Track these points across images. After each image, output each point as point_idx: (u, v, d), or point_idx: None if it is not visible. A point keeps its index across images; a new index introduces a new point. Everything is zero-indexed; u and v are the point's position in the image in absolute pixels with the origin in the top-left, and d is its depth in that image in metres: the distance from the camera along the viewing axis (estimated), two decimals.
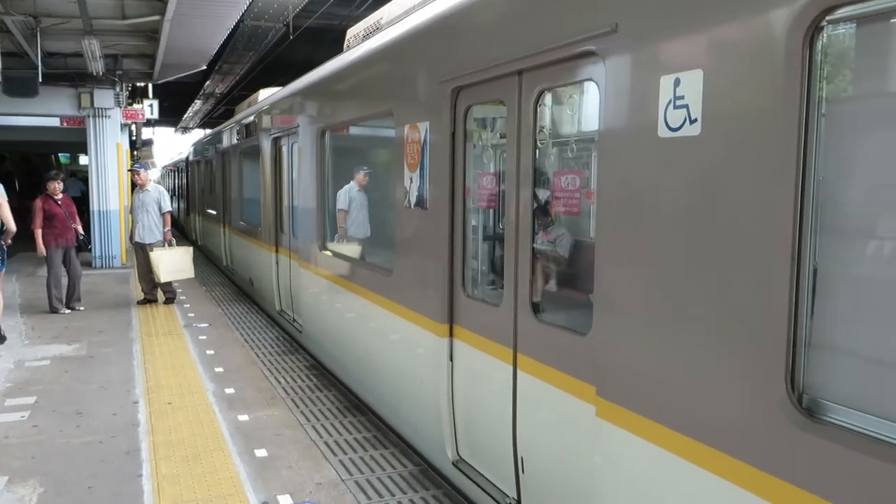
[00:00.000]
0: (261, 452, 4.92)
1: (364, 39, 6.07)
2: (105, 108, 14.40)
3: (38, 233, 9.67)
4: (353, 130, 6.46)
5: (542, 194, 3.48)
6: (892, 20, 1.97)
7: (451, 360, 4.21)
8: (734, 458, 2.23)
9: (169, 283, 10.30)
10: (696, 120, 2.37)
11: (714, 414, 2.33)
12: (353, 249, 6.52)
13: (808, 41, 2.02)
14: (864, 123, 2.10)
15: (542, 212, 3.49)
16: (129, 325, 9.04)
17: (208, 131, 23.25)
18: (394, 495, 4.30)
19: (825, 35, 2.02)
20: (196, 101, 28.92)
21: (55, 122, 15.11)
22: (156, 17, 10.41)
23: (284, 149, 8.53)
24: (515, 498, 3.66)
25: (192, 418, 5.58)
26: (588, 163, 3.32)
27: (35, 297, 10.61)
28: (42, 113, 14.60)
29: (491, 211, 4.06)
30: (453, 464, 4.26)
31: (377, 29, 5.91)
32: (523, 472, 3.57)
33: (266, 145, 9.29)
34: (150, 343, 8.04)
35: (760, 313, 2.16)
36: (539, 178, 3.46)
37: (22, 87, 12.62)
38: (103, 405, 5.90)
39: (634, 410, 2.68)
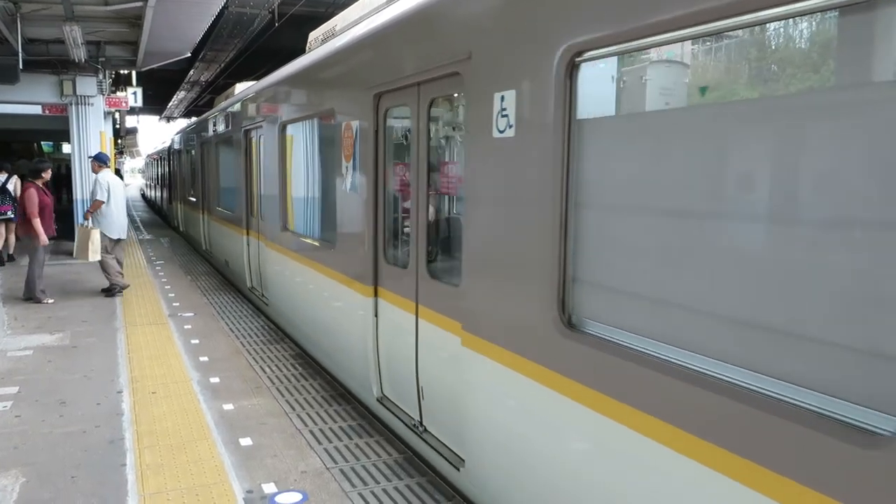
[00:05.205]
0: (245, 441, 4.92)
1: (322, 43, 6.96)
2: (88, 96, 14.25)
3: (37, 222, 9.57)
4: (308, 126, 7.06)
5: (434, 180, 4.38)
6: (620, 60, 2.83)
7: (376, 315, 5.08)
8: (532, 361, 3.19)
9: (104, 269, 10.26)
10: (512, 125, 3.26)
11: (521, 332, 3.27)
12: (308, 228, 7.23)
13: (569, 73, 2.88)
14: (601, 132, 2.88)
15: (433, 194, 4.39)
16: (113, 314, 8.98)
17: (192, 120, 23.11)
18: (378, 483, 4.32)
19: (580, 70, 2.88)
20: (181, 89, 28.62)
21: (37, 109, 14.93)
22: (139, 3, 10.28)
23: (253, 140, 9.31)
24: (419, 420, 4.57)
25: (176, 408, 5.56)
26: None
27: (18, 286, 10.50)
28: (24, 100, 14.42)
29: (402, 194, 4.88)
30: (378, 400, 5.15)
31: (333, 34, 6.79)
32: (423, 398, 4.48)
33: (238, 136, 10.08)
34: (135, 333, 8.00)
35: (545, 261, 3.04)
36: (431, 167, 4.32)
37: (2, 74, 12.44)
38: (87, 395, 5.87)
39: (481, 336, 3.60)
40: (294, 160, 7.51)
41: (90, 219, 10.02)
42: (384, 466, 4.54)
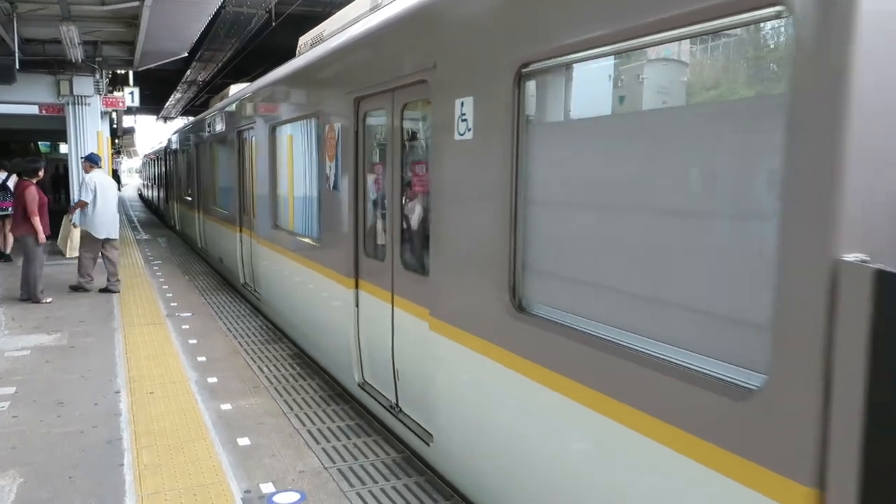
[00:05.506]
0: (243, 441, 4.92)
1: (311, 48, 7.31)
2: (84, 96, 14.23)
3: (38, 220, 9.59)
4: (295, 127, 7.34)
5: (407, 178, 4.69)
6: (556, 72, 3.17)
7: (357, 305, 5.44)
8: (486, 341, 3.55)
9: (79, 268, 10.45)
10: (470, 129, 3.61)
11: (478, 316, 3.63)
12: (296, 225, 7.53)
13: (517, 82, 3.23)
14: (541, 136, 3.23)
15: (407, 191, 4.69)
16: (110, 314, 8.97)
17: (188, 120, 23.14)
18: (377, 482, 4.32)
19: (525, 79, 3.23)
20: (178, 89, 28.56)
21: (34, 109, 14.91)
22: (135, 3, 10.28)
23: (246, 140, 9.70)
24: (395, 401, 4.94)
25: (174, 408, 5.56)
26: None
27: (15, 286, 10.47)
28: (20, 100, 14.40)
29: (379, 192, 5.19)
30: (359, 385, 5.49)
31: (321, 39, 7.14)
32: (399, 381, 4.84)
33: (231, 137, 10.44)
34: (132, 333, 7.99)
35: (499, 251, 3.38)
36: (405, 167, 4.67)
37: None
38: (84, 395, 5.86)
39: (445, 321, 3.97)
40: (282, 160, 7.86)
41: (74, 217, 10.18)
42: (382, 466, 4.54)
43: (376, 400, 5.17)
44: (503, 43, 3.33)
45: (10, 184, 12.56)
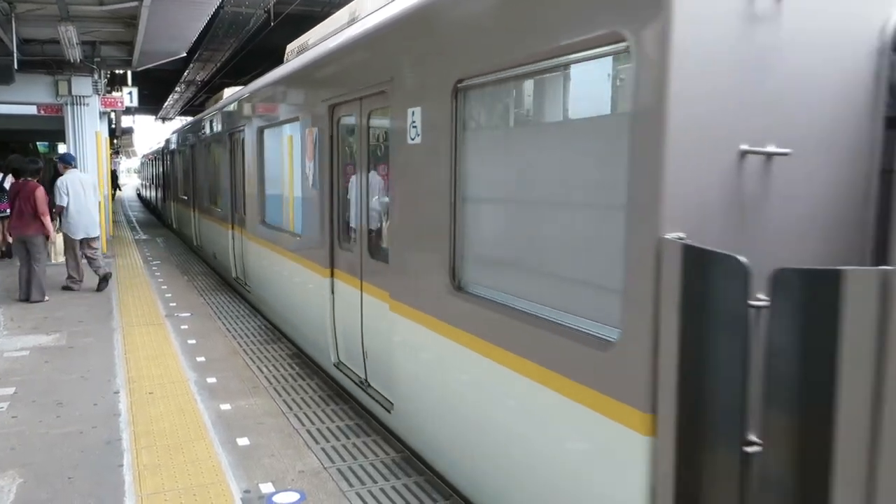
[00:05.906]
0: (243, 441, 4.92)
1: (297, 55, 7.79)
2: (83, 96, 14.19)
3: (48, 219, 9.62)
4: (280, 130, 7.92)
5: (373, 178, 5.29)
6: (487, 87, 3.70)
7: (333, 293, 6.02)
8: (433, 317, 4.11)
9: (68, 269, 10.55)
10: (419, 134, 4.18)
11: (426, 295, 4.19)
12: (281, 221, 8.13)
13: (454, 94, 3.78)
14: (469, 142, 3.81)
15: (373, 189, 5.25)
16: (109, 314, 8.97)
17: (185, 122, 23.15)
18: (376, 482, 4.32)
19: (460, 92, 3.78)
20: (176, 89, 28.52)
21: (32, 109, 14.88)
22: (134, 3, 10.25)
23: (237, 142, 10.18)
24: (364, 378, 5.49)
25: (173, 408, 5.56)
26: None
27: (14, 286, 10.46)
28: (19, 101, 14.36)
29: (351, 189, 5.70)
30: (335, 365, 6.02)
31: (305, 48, 7.62)
32: (367, 359, 5.38)
33: (224, 139, 11.06)
34: (131, 333, 7.99)
35: (442, 240, 3.93)
36: (371, 167, 5.28)
37: None
38: (84, 395, 5.86)
39: (401, 301, 4.52)
40: (269, 161, 8.48)
41: (56, 222, 10.23)
42: (382, 466, 4.55)
43: (349, 378, 5.71)
44: (443, 61, 3.90)
45: (9, 185, 12.50)
